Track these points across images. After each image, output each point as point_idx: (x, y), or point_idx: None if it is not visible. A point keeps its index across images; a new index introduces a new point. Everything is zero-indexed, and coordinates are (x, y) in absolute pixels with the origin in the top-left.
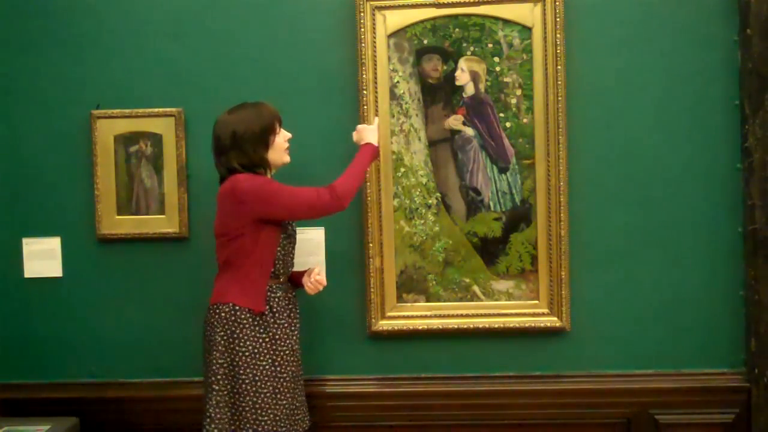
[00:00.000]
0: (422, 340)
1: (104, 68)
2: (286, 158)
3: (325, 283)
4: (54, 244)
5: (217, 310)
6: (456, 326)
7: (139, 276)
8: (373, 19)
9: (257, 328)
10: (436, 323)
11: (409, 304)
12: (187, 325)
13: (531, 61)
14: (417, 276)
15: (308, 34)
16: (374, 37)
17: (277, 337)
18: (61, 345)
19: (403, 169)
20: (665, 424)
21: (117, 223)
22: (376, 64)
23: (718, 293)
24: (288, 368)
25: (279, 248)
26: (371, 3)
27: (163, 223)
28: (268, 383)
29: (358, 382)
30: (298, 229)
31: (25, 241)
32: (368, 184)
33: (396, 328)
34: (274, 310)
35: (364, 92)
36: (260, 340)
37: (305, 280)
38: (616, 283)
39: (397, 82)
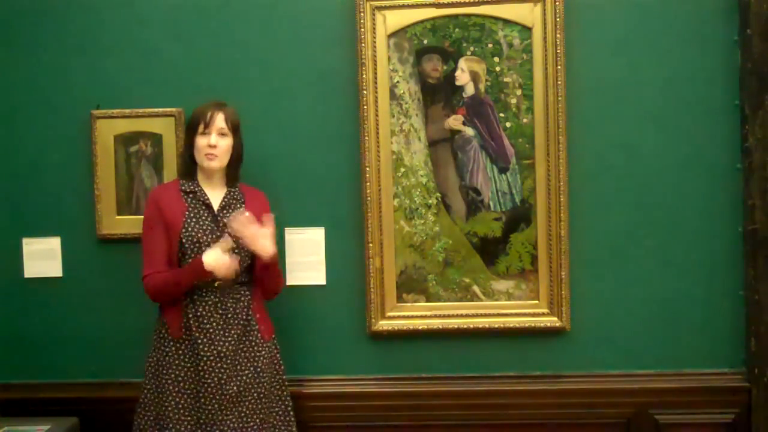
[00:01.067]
0: (422, 340)
1: (104, 68)
2: (205, 163)
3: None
4: (54, 244)
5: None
6: (456, 326)
7: (139, 276)
8: (373, 19)
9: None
10: (436, 323)
11: (409, 304)
12: None
13: (531, 61)
14: (417, 276)
15: (308, 34)
16: (374, 37)
17: (199, 341)
18: (61, 345)
19: (403, 169)
20: (665, 424)
21: (117, 223)
22: (376, 64)
23: (718, 293)
24: (213, 374)
25: (184, 262)
26: (371, 3)
27: None
28: (190, 385)
29: (358, 382)
30: (298, 229)
31: (25, 241)
32: (368, 184)
33: (396, 328)
34: (199, 313)
35: (364, 92)
36: (186, 342)
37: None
38: (616, 283)
39: (397, 82)
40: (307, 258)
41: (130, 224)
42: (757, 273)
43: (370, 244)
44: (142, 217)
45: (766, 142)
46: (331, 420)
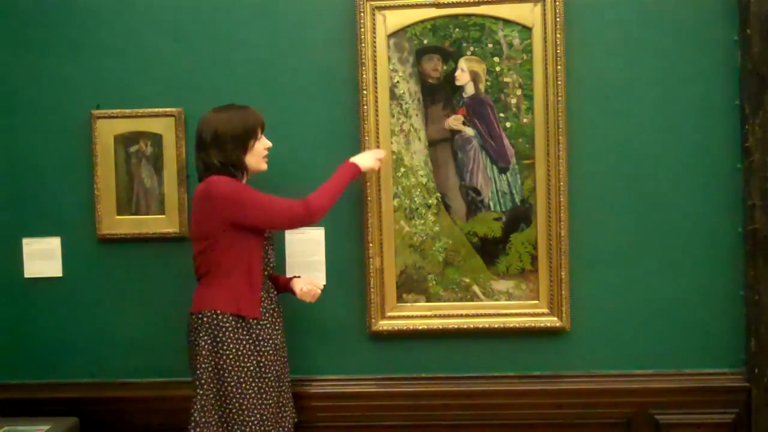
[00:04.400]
0: (422, 340)
1: (104, 68)
2: (263, 166)
3: (319, 288)
4: (54, 244)
5: (200, 317)
6: (456, 326)
7: (139, 276)
8: (373, 19)
9: (240, 331)
10: (436, 323)
11: (409, 304)
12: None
13: (531, 61)
14: (417, 276)
15: (308, 34)
16: (374, 37)
17: (260, 338)
18: (61, 345)
19: (403, 169)
20: (665, 424)
21: (117, 223)
22: (376, 64)
23: (718, 293)
24: (272, 367)
25: (264, 252)
26: (371, 3)
27: (163, 223)
28: (253, 384)
29: (358, 382)
30: (298, 229)
31: (25, 241)
32: (368, 184)
33: (396, 328)
34: (263, 308)
35: (364, 92)
36: (244, 342)
37: (299, 285)
38: (616, 283)
39: (397, 82)
40: (307, 258)
41: (130, 224)
42: (757, 273)
43: (370, 244)
44: (141, 217)
45: (766, 142)
46: (331, 420)
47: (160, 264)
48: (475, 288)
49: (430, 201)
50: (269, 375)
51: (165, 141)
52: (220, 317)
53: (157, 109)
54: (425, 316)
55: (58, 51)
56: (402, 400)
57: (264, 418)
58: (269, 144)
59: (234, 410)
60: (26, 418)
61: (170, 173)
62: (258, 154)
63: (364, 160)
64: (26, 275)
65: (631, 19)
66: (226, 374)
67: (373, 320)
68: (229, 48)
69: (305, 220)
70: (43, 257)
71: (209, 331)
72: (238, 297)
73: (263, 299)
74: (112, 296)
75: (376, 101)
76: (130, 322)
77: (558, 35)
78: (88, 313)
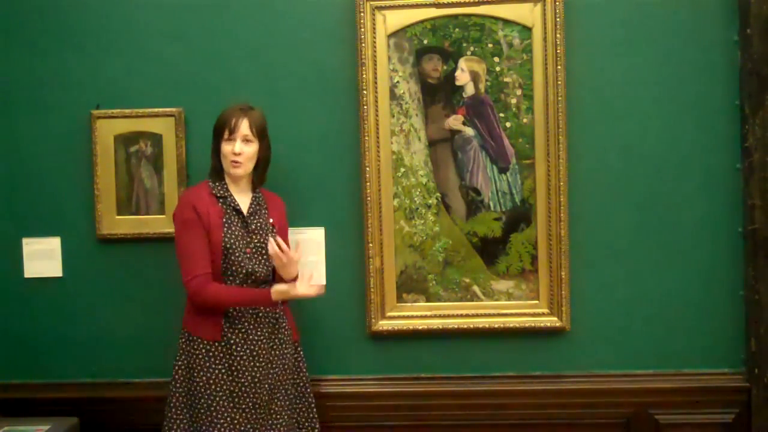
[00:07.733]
0: (422, 340)
1: (104, 68)
2: (231, 170)
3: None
4: (54, 244)
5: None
6: (456, 326)
7: (139, 276)
8: (373, 19)
9: (212, 341)
10: (436, 323)
11: (409, 304)
12: None
13: (531, 61)
14: (417, 276)
15: (308, 34)
16: (374, 37)
17: (232, 341)
18: (61, 345)
19: (403, 169)
20: (665, 424)
21: (117, 223)
22: (376, 64)
23: (718, 293)
24: (246, 373)
25: (225, 272)
26: (371, 3)
27: (163, 223)
28: (224, 386)
29: (358, 382)
30: (298, 229)
31: (25, 241)
32: (368, 184)
33: (396, 328)
34: (230, 314)
35: (364, 92)
36: (216, 345)
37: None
38: (616, 283)
39: (397, 82)
40: (307, 258)
41: (130, 224)
42: (757, 273)
43: (370, 244)
44: (141, 217)
45: (766, 142)
46: (330, 420)
47: (160, 264)
48: (475, 288)
49: (430, 201)
50: (242, 380)
51: (165, 141)
52: (192, 338)
53: (157, 109)
54: (425, 316)
55: (58, 51)
56: (402, 400)
57: (235, 422)
58: (235, 149)
59: (203, 411)
60: (26, 418)
61: (170, 173)
62: (224, 157)
63: (279, 294)
64: (26, 275)
65: (631, 19)
66: (195, 374)
67: (373, 320)
68: (229, 48)
69: (191, 296)
70: (43, 257)
71: (185, 333)
72: (195, 319)
73: (240, 309)
74: (111, 296)
75: (376, 101)
76: (130, 322)
77: (558, 35)
78: (88, 313)
